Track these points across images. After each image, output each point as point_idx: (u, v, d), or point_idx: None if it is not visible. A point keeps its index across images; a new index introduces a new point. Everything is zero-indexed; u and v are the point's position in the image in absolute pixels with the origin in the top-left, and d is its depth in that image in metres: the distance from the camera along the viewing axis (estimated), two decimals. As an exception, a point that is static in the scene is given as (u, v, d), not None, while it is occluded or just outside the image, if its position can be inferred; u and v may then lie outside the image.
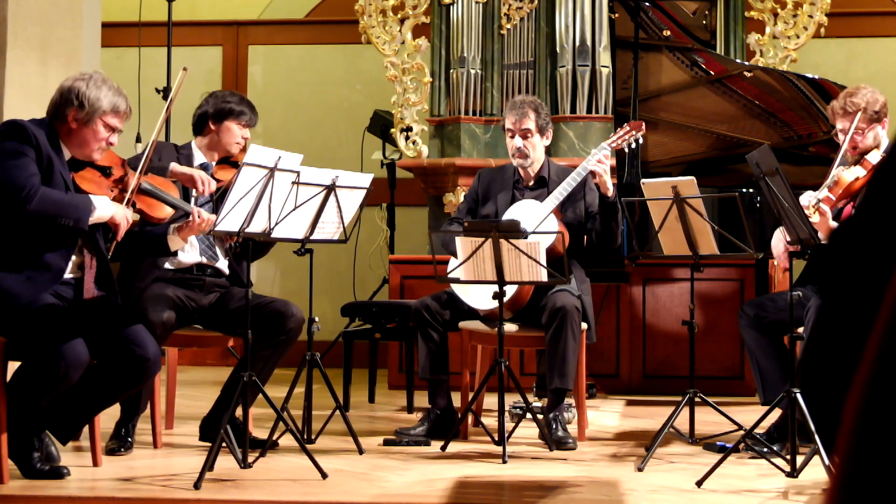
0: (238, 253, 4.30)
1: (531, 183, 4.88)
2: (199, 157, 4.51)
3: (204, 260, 4.44)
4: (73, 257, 3.78)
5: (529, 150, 4.81)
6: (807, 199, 4.29)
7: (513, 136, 4.82)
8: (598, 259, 4.98)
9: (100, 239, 3.83)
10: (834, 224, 4.25)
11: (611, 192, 4.65)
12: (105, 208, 3.73)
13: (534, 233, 4.47)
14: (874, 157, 4.42)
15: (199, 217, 4.02)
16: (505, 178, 4.92)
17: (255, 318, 4.14)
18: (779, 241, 4.44)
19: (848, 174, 4.41)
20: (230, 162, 4.49)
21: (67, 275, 3.78)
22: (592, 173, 4.65)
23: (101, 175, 3.90)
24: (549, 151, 4.97)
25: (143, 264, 4.35)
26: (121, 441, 4.25)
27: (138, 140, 6.22)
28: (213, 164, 4.51)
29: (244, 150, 4.51)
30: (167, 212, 4.00)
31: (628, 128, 4.82)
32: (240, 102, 4.54)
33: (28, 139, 3.68)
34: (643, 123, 4.86)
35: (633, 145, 4.84)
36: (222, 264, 4.48)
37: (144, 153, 3.99)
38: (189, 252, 4.43)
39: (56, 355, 3.53)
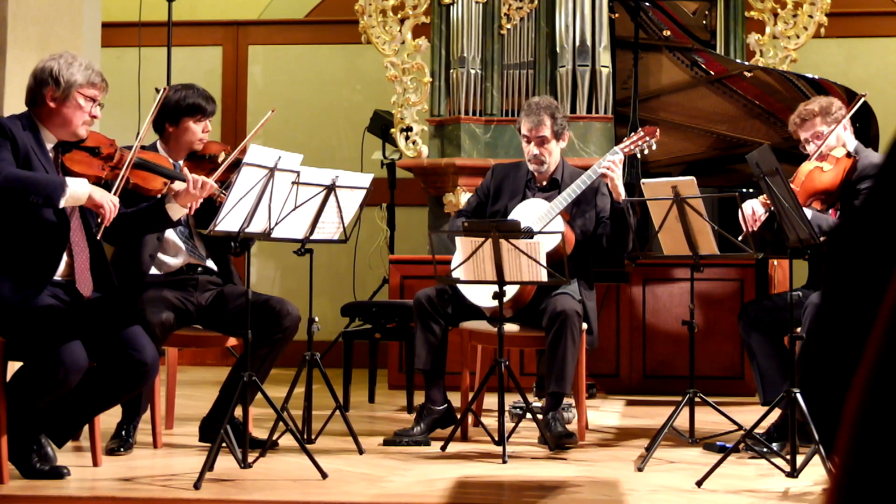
0: (237, 253, 4.28)
1: (544, 183, 4.87)
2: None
3: (192, 259, 4.42)
4: (65, 257, 3.77)
5: (546, 157, 4.81)
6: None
7: (529, 142, 4.81)
8: (597, 259, 4.97)
9: (92, 222, 3.79)
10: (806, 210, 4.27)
11: (622, 196, 4.66)
12: (81, 188, 3.62)
13: (538, 233, 4.47)
14: (839, 153, 4.44)
15: (193, 182, 3.94)
16: (518, 175, 4.91)
17: (252, 316, 4.13)
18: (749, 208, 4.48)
19: (806, 165, 4.44)
20: (198, 156, 4.41)
21: (58, 277, 3.76)
22: (604, 175, 4.66)
23: (90, 155, 3.86)
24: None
25: (128, 270, 4.31)
26: (121, 441, 4.25)
27: (138, 140, 6.20)
28: (181, 162, 4.40)
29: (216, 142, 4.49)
30: (162, 183, 3.98)
31: (642, 133, 4.82)
32: (192, 95, 4.37)
33: (4, 133, 3.66)
34: (657, 129, 4.86)
35: (647, 151, 4.84)
36: (209, 262, 4.46)
37: (138, 134, 3.96)
38: (176, 256, 4.41)
39: (55, 359, 3.52)
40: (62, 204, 3.61)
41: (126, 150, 3.92)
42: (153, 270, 4.35)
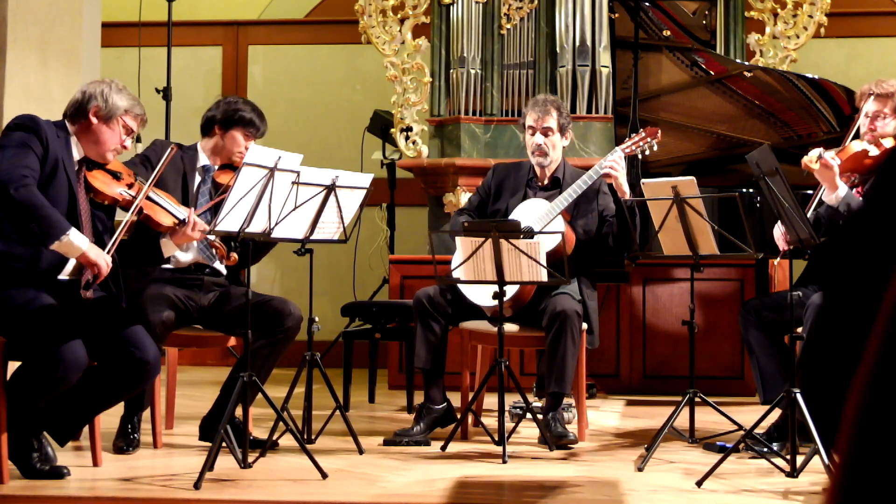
0: (238, 254, 4.29)
1: (545, 182, 4.88)
2: (202, 159, 4.49)
3: (201, 259, 4.44)
4: (73, 259, 3.77)
5: (549, 149, 4.81)
6: (813, 153, 4.27)
7: (533, 134, 4.82)
8: (598, 259, 4.97)
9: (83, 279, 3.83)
10: (840, 183, 4.23)
11: (628, 194, 4.67)
12: (79, 241, 3.63)
13: (538, 233, 4.47)
14: (888, 142, 4.41)
15: (192, 224, 3.98)
16: (519, 175, 4.92)
17: (254, 316, 4.14)
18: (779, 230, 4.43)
19: (856, 144, 4.40)
20: (233, 167, 4.46)
21: (65, 276, 3.77)
22: (607, 175, 4.66)
23: (112, 178, 3.93)
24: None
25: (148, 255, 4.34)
26: (127, 440, 4.26)
27: (138, 140, 6.21)
28: (216, 167, 4.49)
29: None
30: (171, 220, 4.00)
31: (644, 134, 4.83)
32: (250, 112, 4.49)
33: (39, 135, 3.70)
34: (658, 130, 4.86)
35: (647, 152, 4.84)
36: (219, 264, 4.48)
37: (159, 164, 3.99)
38: (188, 252, 4.43)
39: (55, 357, 3.53)
40: (52, 246, 3.61)
41: (143, 182, 3.96)
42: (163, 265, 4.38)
